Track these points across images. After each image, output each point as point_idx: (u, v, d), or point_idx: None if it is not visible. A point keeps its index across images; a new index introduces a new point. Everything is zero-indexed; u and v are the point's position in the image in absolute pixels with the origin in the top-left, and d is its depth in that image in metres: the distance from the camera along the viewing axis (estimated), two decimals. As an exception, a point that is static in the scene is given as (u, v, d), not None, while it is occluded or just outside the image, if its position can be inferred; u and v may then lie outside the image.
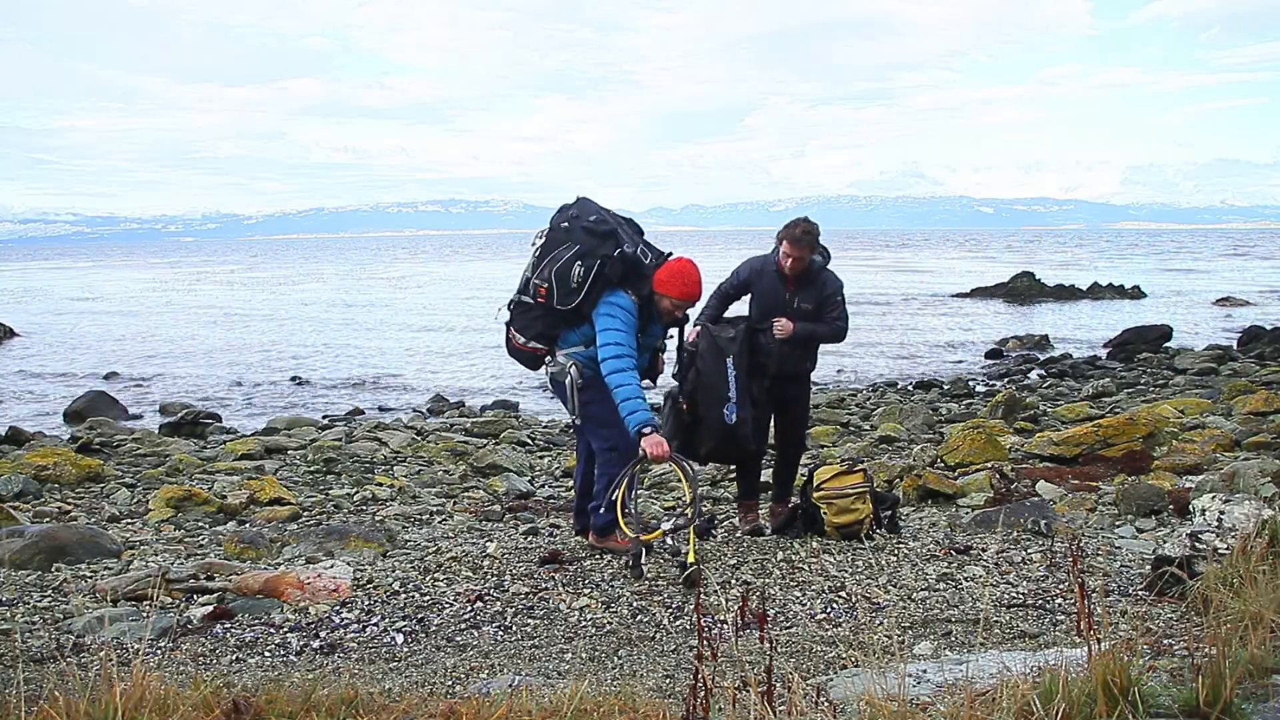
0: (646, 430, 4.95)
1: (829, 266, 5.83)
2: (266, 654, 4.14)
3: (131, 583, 5.00)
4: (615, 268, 5.01)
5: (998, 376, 18.45)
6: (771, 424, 5.87)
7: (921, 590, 4.68)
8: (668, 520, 5.22)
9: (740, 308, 5.98)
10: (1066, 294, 36.36)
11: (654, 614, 4.49)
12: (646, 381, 5.32)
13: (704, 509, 5.40)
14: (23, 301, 43.42)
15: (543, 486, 9.35)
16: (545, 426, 13.33)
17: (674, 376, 5.73)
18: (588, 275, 4.99)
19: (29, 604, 4.80)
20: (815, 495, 5.59)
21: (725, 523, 6.29)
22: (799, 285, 5.72)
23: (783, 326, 5.64)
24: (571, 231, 5.13)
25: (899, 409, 12.88)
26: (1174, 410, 10.96)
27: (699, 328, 5.63)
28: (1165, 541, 5.19)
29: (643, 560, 4.97)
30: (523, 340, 5.26)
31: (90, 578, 5.34)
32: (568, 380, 5.15)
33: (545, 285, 5.09)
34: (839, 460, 7.05)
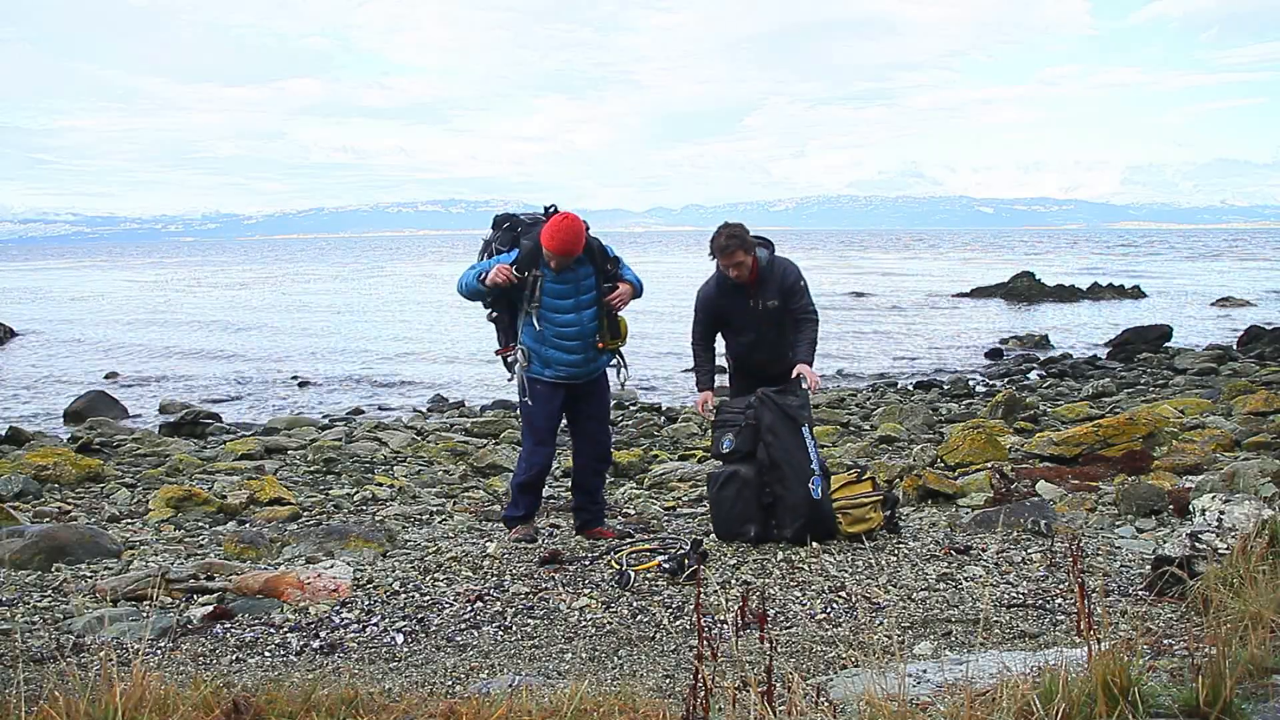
0: (484, 275, 5.38)
1: (776, 254, 5.71)
2: (266, 654, 4.14)
3: (131, 583, 5.00)
4: (501, 238, 5.59)
5: (998, 376, 18.44)
6: None
7: (921, 590, 4.68)
8: (663, 555, 5.18)
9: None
10: (1066, 294, 36.33)
11: (654, 614, 4.49)
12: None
13: (700, 542, 5.34)
14: (23, 301, 43.40)
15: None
16: (545, 426, 13.32)
17: (718, 453, 5.58)
18: (490, 256, 5.54)
19: (29, 604, 4.80)
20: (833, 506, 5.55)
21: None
22: (757, 286, 5.62)
23: (810, 382, 5.56)
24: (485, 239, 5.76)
25: (899, 409, 12.87)
26: (1174, 410, 10.95)
27: (758, 396, 5.44)
28: (1165, 541, 5.19)
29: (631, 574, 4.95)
30: (501, 347, 5.71)
31: (90, 578, 5.34)
32: (518, 367, 5.56)
33: None
34: (846, 469, 7.05)
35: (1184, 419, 10.57)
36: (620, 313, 5.65)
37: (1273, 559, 3.67)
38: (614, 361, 5.75)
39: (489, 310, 5.67)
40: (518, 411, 5.82)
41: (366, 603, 4.70)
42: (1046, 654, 3.12)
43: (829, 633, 4.16)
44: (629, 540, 5.64)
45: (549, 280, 5.39)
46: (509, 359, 5.63)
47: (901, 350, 22.62)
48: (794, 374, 5.53)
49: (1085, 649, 2.54)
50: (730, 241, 5.44)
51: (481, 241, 5.75)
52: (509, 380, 5.76)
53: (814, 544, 5.34)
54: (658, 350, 21.01)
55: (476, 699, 2.91)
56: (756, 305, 5.61)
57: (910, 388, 16.81)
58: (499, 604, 4.65)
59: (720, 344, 6.06)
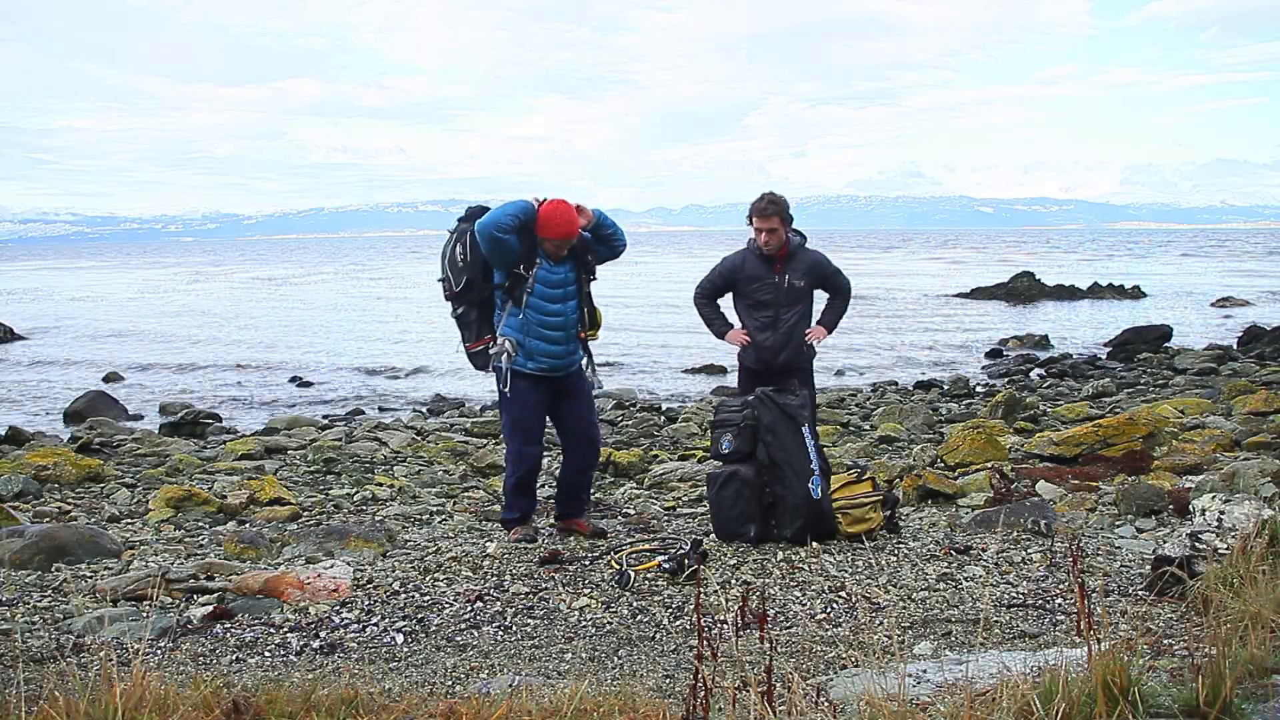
0: (529, 205, 5.32)
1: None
2: (266, 654, 4.14)
3: (131, 583, 5.00)
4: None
5: (998, 376, 18.44)
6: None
7: (921, 590, 4.68)
8: (663, 555, 5.17)
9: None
10: (1066, 294, 36.33)
11: (654, 614, 4.49)
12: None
13: (700, 541, 5.31)
14: (23, 301, 43.38)
15: (542, 486, 9.33)
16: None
17: (718, 454, 5.59)
18: (465, 246, 5.46)
19: (29, 604, 4.80)
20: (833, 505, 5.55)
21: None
22: (785, 263, 5.73)
23: (817, 334, 5.91)
24: (451, 231, 5.62)
25: (899, 409, 12.88)
26: (1174, 410, 10.96)
27: (757, 396, 5.47)
28: (1165, 541, 5.18)
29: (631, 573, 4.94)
30: (470, 342, 5.63)
31: (90, 578, 5.34)
32: (504, 359, 5.47)
33: (444, 279, 5.60)
34: (846, 469, 7.05)
35: (1184, 419, 10.58)
36: (598, 304, 5.75)
37: (1273, 559, 3.68)
38: (584, 360, 5.77)
39: (456, 310, 5.63)
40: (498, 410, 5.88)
41: (366, 603, 4.69)
42: (1046, 654, 3.12)
43: (829, 633, 4.16)
44: (629, 540, 5.64)
45: (543, 269, 5.45)
46: (491, 349, 5.55)
47: (901, 350, 22.62)
48: (811, 333, 5.97)
49: (1085, 649, 2.54)
50: (770, 206, 5.66)
51: (450, 234, 5.62)
52: (490, 371, 5.66)
53: (814, 544, 5.34)
54: (657, 358, 21.07)
55: (476, 699, 2.91)
56: (782, 280, 5.74)
57: (910, 388, 16.81)
58: (499, 604, 4.65)
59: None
